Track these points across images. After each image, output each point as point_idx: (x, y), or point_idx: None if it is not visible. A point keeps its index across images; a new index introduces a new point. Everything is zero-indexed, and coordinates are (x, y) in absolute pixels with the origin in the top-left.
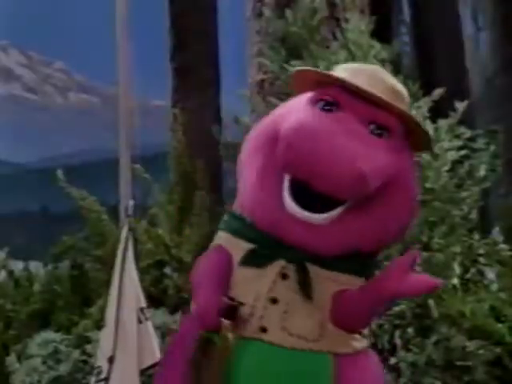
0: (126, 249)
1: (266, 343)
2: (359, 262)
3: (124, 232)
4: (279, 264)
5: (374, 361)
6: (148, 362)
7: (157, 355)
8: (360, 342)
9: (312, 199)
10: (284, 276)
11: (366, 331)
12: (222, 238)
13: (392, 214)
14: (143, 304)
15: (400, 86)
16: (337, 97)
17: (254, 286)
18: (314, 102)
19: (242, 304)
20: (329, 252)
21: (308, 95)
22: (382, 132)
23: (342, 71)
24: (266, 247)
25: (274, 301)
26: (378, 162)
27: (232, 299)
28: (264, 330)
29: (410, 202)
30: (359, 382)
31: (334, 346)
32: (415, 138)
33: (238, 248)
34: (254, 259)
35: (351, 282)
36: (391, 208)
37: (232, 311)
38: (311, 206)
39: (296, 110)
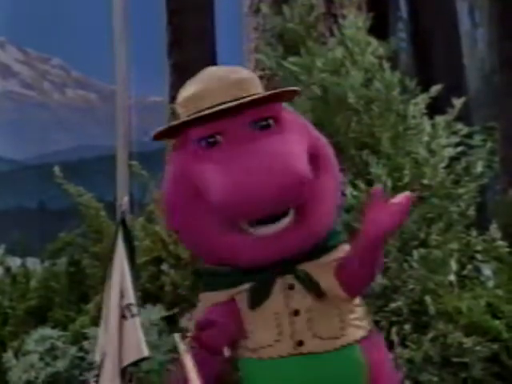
0: (116, 244)
1: (305, 355)
2: (332, 236)
3: (116, 228)
4: (280, 281)
5: (381, 337)
6: (133, 358)
7: (143, 351)
8: (367, 321)
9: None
10: (291, 286)
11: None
12: (210, 298)
13: (328, 190)
14: (131, 300)
15: (240, 72)
16: (212, 128)
17: (269, 308)
18: (195, 143)
19: None
20: (301, 247)
21: (183, 142)
22: (267, 122)
23: (188, 100)
24: (259, 279)
25: (296, 313)
26: (297, 155)
27: None
28: (300, 343)
29: (334, 168)
30: (382, 361)
31: (355, 333)
32: (284, 97)
33: (235, 295)
34: (259, 294)
35: (341, 252)
36: (326, 186)
37: None
38: (272, 222)
39: (191, 163)
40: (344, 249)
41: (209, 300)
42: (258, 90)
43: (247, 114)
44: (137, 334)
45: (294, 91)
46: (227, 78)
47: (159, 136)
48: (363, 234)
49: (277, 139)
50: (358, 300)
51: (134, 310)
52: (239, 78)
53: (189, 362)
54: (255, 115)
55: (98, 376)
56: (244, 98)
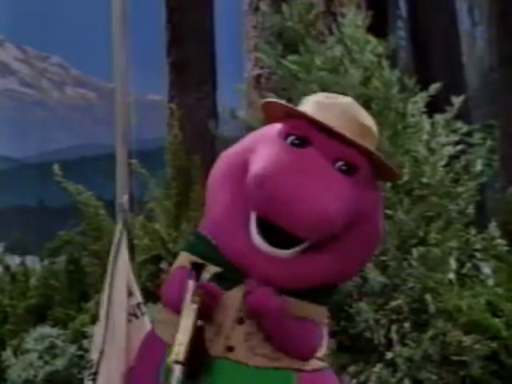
0: (119, 244)
1: (233, 362)
2: (323, 292)
3: (118, 227)
4: (245, 282)
5: (333, 379)
6: None
7: None
8: (319, 362)
9: (278, 235)
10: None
11: (321, 355)
12: (185, 258)
13: (356, 251)
14: (140, 299)
15: (370, 122)
16: (306, 132)
17: (220, 307)
18: (283, 136)
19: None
20: (293, 285)
21: (277, 127)
22: (349, 169)
23: (314, 104)
24: (232, 272)
25: (240, 321)
26: (340, 201)
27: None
28: (231, 349)
29: (375, 238)
30: None
31: (296, 363)
32: (382, 172)
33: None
34: (220, 283)
35: (314, 310)
36: (356, 245)
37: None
38: (277, 241)
39: (265, 143)
40: (318, 310)
41: (182, 259)
42: (371, 143)
43: (341, 150)
44: (144, 333)
45: (394, 176)
46: (356, 119)
47: (268, 105)
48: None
49: (342, 186)
50: None
51: (143, 308)
52: (366, 125)
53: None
54: (349, 156)
55: (95, 374)
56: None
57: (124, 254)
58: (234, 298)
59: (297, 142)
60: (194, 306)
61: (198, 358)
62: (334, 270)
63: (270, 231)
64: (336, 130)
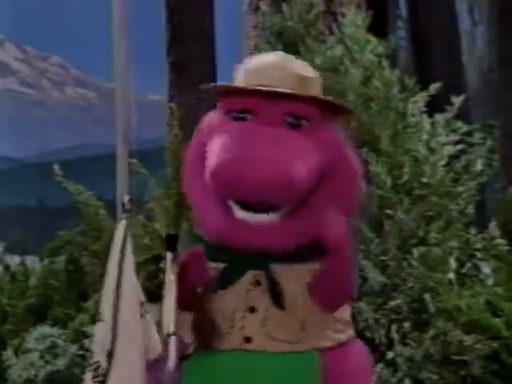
0: (124, 245)
1: (251, 352)
2: (320, 248)
3: (122, 228)
4: (250, 273)
5: (360, 351)
6: (150, 357)
7: (158, 349)
8: (343, 333)
9: (257, 207)
10: (257, 283)
11: (348, 317)
12: None
13: (339, 199)
14: (143, 298)
15: (307, 71)
16: (246, 103)
17: (229, 299)
18: (226, 113)
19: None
20: (286, 247)
21: (221, 107)
22: (300, 122)
23: (247, 72)
24: (234, 263)
25: (253, 310)
26: (299, 157)
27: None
28: (248, 339)
29: (353, 183)
30: (345, 374)
31: (317, 342)
32: (336, 113)
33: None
34: (228, 278)
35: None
36: (334, 195)
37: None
38: (258, 211)
39: (214, 127)
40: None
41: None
42: (315, 91)
43: (286, 106)
44: (150, 332)
45: (349, 112)
46: (291, 70)
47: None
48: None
49: (296, 141)
50: (337, 312)
51: (147, 308)
52: (302, 74)
53: (172, 274)
54: (292, 109)
55: (104, 376)
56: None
57: (130, 253)
58: (240, 287)
59: (241, 115)
60: (173, 278)
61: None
62: (321, 222)
63: (250, 206)
64: (272, 89)
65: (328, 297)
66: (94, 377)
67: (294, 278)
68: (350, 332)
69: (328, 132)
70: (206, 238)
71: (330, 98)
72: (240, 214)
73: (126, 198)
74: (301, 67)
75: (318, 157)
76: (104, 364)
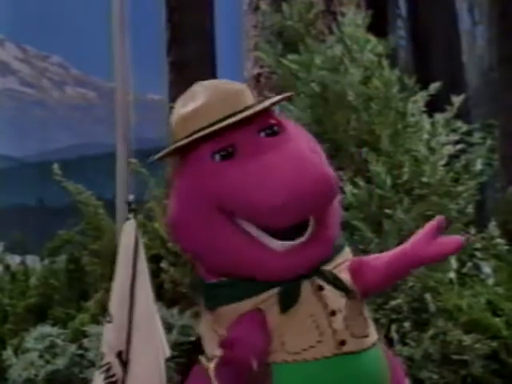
0: (137, 246)
1: (343, 355)
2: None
3: (131, 228)
4: (307, 282)
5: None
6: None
7: (166, 351)
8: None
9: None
10: (320, 288)
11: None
12: (234, 308)
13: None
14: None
15: (233, 84)
16: (221, 142)
17: (302, 311)
18: (209, 158)
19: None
20: (324, 254)
21: (193, 164)
22: (273, 130)
23: (187, 119)
24: (284, 283)
25: (333, 313)
26: (321, 160)
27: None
28: (343, 342)
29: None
30: (396, 360)
31: (375, 333)
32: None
33: (259, 304)
34: (290, 297)
35: (347, 251)
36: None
37: None
38: (287, 237)
39: (215, 174)
40: (346, 249)
41: (231, 313)
42: (252, 99)
43: (255, 123)
44: (160, 333)
45: (288, 96)
46: (224, 91)
47: (162, 157)
48: (409, 254)
49: (292, 145)
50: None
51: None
52: (236, 89)
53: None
54: (263, 123)
55: (113, 376)
56: (246, 108)
57: (142, 254)
58: (308, 301)
59: (223, 153)
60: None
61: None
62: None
63: (276, 233)
64: (244, 114)
65: (376, 284)
66: (106, 378)
67: (340, 270)
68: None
69: (295, 128)
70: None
71: (270, 97)
72: (270, 242)
73: (131, 198)
74: (226, 84)
75: (313, 151)
76: (116, 366)
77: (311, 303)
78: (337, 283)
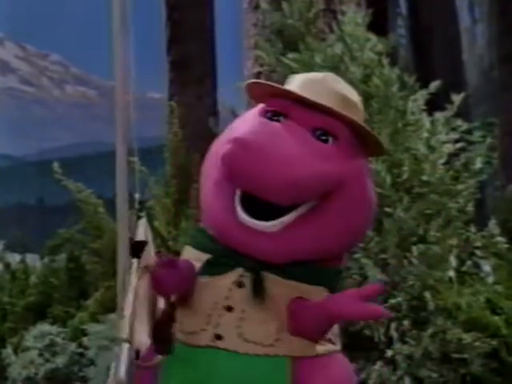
0: (148, 242)
1: (222, 350)
2: (315, 271)
3: (142, 226)
4: (236, 273)
5: (340, 364)
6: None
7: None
8: (324, 346)
9: (264, 208)
10: (240, 284)
11: (333, 336)
12: (187, 252)
13: (342, 222)
14: None
15: (351, 94)
16: (284, 107)
17: (210, 296)
18: (262, 113)
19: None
20: (280, 259)
21: (258, 107)
22: (328, 138)
23: (296, 82)
24: (222, 257)
25: (229, 309)
26: (316, 166)
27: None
28: (219, 337)
29: (362, 210)
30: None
31: (292, 350)
32: (367, 145)
33: (200, 260)
34: (210, 268)
35: (312, 292)
36: (341, 215)
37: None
38: (263, 214)
39: (245, 122)
40: (316, 292)
41: (191, 256)
42: (354, 115)
43: (319, 118)
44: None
45: (381, 150)
46: (334, 88)
47: (253, 85)
48: (328, 306)
49: (318, 150)
50: None
51: None
52: (348, 97)
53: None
54: (324, 123)
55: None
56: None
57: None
58: (223, 285)
59: (275, 117)
60: (134, 284)
61: (165, 338)
62: (321, 241)
63: (255, 206)
64: (313, 100)
65: (300, 333)
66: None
67: (280, 288)
68: (333, 346)
69: (352, 156)
70: (208, 232)
71: (367, 127)
72: (243, 217)
73: (137, 197)
74: (345, 88)
75: (332, 167)
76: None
77: (220, 290)
78: (255, 289)
